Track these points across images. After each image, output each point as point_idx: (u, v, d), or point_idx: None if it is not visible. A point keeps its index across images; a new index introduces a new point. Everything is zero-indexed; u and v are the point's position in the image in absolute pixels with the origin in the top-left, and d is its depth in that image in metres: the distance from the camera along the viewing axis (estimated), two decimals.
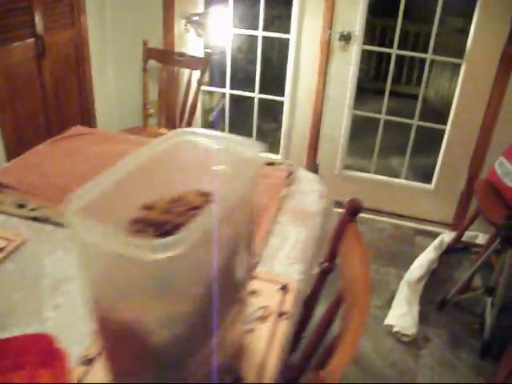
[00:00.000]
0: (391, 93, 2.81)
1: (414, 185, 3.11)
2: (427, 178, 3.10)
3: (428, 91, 5.10)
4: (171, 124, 2.98)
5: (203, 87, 3.14)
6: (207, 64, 2.66)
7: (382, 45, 4.56)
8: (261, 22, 2.89)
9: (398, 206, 3.13)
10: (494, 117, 2.72)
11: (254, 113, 3.16)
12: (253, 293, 1.13)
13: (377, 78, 5.02)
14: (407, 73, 5.15)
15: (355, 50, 2.81)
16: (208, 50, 2.71)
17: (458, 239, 2.84)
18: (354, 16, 2.74)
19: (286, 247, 1.29)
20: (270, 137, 3.25)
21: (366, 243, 1.06)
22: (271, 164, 1.70)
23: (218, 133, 0.83)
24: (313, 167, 3.10)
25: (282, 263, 1.24)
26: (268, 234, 1.33)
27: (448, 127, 2.90)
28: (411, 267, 2.64)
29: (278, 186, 1.54)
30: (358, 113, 3.05)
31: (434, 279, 2.63)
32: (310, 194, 1.56)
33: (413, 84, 5.10)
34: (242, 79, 3.51)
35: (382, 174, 3.18)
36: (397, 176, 3.17)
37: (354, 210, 1.19)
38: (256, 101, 3.13)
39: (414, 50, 4.58)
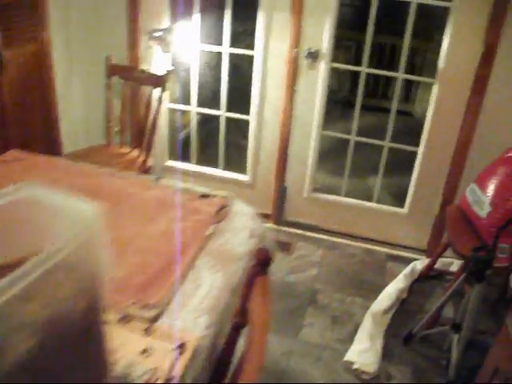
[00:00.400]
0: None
1: (386, 208, 2.97)
2: (404, 201, 2.96)
3: (416, 107, 4.98)
4: (134, 142, 2.87)
5: (168, 105, 3.04)
6: (166, 81, 2.55)
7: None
8: (226, 37, 2.78)
9: (370, 230, 2.99)
10: (467, 139, 2.59)
11: (221, 132, 3.02)
12: (144, 352, 1.01)
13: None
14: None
15: (323, 68, 2.70)
16: (170, 67, 2.60)
17: (430, 267, 2.71)
18: (322, 33, 2.63)
19: (196, 297, 1.17)
20: (242, 154, 3.11)
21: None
22: (205, 196, 1.57)
23: (58, 192, 0.72)
24: (281, 190, 2.97)
25: (188, 316, 1.12)
26: (179, 281, 1.21)
27: (421, 149, 2.77)
28: (379, 297, 2.51)
29: (205, 223, 1.42)
30: (327, 133, 2.91)
31: (403, 310, 2.51)
32: (240, 231, 1.43)
33: (400, 99, 4.97)
34: (211, 96, 3.40)
35: (356, 196, 3.04)
36: (371, 198, 3.03)
37: (263, 261, 1.08)
38: (223, 119, 3.00)
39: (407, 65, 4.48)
